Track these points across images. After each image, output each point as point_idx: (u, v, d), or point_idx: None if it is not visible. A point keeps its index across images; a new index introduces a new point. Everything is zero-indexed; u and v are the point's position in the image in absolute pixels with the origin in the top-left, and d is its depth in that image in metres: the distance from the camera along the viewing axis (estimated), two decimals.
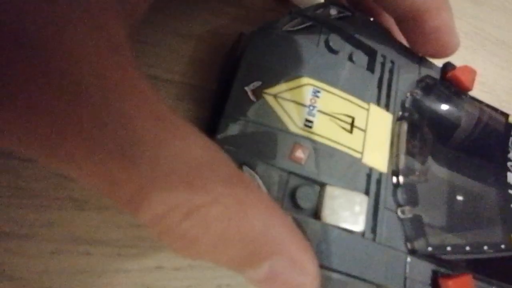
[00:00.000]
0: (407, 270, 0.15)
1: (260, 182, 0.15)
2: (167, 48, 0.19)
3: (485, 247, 0.16)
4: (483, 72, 0.31)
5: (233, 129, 0.15)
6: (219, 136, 0.15)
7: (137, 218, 0.10)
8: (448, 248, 0.16)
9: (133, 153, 0.09)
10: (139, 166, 0.09)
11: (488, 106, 0.19)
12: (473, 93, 0.20)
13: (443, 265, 0.16)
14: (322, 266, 0.14)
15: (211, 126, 0.18)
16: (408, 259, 0.16)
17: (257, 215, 0.11)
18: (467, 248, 0.16)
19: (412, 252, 0.16)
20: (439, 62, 0.21)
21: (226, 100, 0.16)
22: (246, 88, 0.16)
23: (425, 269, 0.16)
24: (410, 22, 0.17)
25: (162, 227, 0.10)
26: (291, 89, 0.16)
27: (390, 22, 0.19)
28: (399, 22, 0.18)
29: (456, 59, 0.27)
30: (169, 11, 0.20)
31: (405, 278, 0.15)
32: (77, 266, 0.15)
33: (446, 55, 0.19)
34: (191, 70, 0.20)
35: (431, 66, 0.20)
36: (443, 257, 0.16)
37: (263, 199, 0.11)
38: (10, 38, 0.08)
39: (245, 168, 0.15)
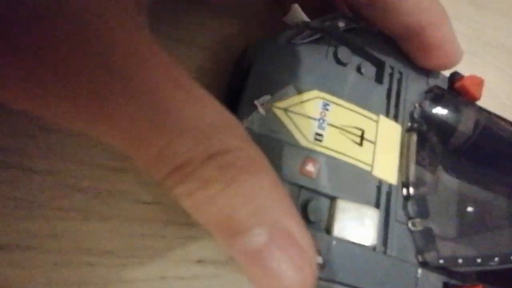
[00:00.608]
0: (419, 283, 0.16)
1: None
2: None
3: (496, 259, 0.16)
4: (485, 76, 0.31)
5: None
6: None
7: (160, 173, 0.11)
8: (460, 261, 0.16)
9: (160, 116, 0.10)
10: (165, 126, 0.10)
11: (497, 116, 0.19)
12: None
13: (454, 277, 0.16)
14: (334, 281, 0.14)
15: None
16: (419, 271, 0.16)
17: (263, 176, 0.11)
18: (478, 260, 0.16)
19: (423, 264, 0.16)
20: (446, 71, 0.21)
21: (235, 113, 0.16)
22: (256, 102, 0.16)
23: (436, 281, 0.16)
24: (412, 39, 0.17)
25: (181, 175, 0.11)
26: (300, 102, 0.16)
27: None
28: (400, 40, 0.18)
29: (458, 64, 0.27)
30: (172, 20, 0.20)
31: None
32: (81, 277, 0.15)
33: (451, 66, 0.19)
34: (195, 78, 0.20)
35: (439, 75, 0.20)
36: (454, 269, 0.16)
37: (267, 165, 0.12)
38: (57, 20, 0.09)
39: None
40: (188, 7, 0.21)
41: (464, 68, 0.30)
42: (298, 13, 0.18)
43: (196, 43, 0.20)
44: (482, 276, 0.17)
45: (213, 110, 0.11)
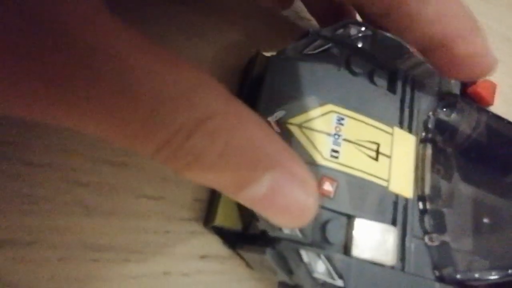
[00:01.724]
0: None
1: None
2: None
3: (510, 271, 0.16)
4: None
5: None
6: None
7: (147, 150, 0.10)
8: (476, 275, 0.16)
9: (132, 88, 0.09)
10: (141, 101, 0.09)
11: (510, 122, 0.19)
12: None
13: None
14: None
15: None
16: (437, 286, 0.16)
17: (255, 128, 0.11)
18: (493, 272, 0.16)
19: (441, 279, 0.16)
20: None
21: None
22: (269, 119, 0.15)
23: None
24: (438, 51, 0.16)
25: (171, 151, 0.10)
26: (315, 118, 0.16)
27: None
28: (423, 51, 0.16)
29: None
30: (180, 25, 0.19)
31: None
32: (85, 273, 0.15)
33: (481, 77, 0.17)
34: None
35: (450, 80, 0.19)
36: (471, 283, 0.16)
37: (256, 117, 0.12)
38: None
39: None
40: (192, 12, 0.20)
41: None
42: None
43: (203, 48, 0.19)
44: (495, 286, 0.17)
45: (190, 73, 0.10)
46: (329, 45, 0.17)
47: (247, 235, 0.16)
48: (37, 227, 0.15)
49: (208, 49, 0.20)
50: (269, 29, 0.21)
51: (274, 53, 0.18)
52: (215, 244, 0.17)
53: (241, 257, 0.17)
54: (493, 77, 0.30)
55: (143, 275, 0.16)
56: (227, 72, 0.20)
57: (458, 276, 0.16)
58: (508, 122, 0.19)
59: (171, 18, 0.19)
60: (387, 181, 0.16)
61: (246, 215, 0.16)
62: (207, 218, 0.17)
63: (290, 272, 0.14)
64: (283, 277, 0.15)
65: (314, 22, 0.22)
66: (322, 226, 0.15)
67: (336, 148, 0.16)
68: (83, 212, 0.15)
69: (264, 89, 0.16)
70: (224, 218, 0.16)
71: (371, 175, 0.16)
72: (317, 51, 0.17)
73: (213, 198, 0.17)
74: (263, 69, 0.18)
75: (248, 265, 0.17)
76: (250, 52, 0.20)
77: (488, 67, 0.16)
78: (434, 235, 0.16)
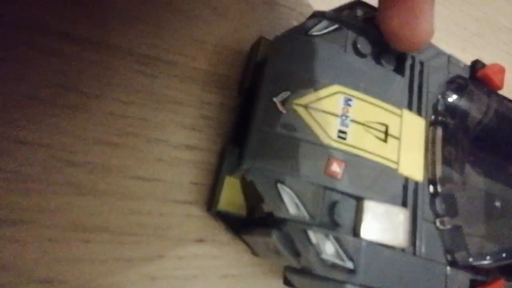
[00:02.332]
0: (448, 282, 0.15)
1: (296, 199, 0.14)
2: (172, 29, 0.18)
3: None
4: (493, 59, 0.31)
5: (264, 144, 0.14)
6: (249, 154, 0.14)
7: None
8: (488, 258, 0.15)
9: None
10: None
11: None
12: None
13: (479, 273, 0.16)
14: (363, 285, 0.14)
15: (235, 136, 0.17)
16: (448, 270, 0.15)
17: None
18: (504, 255, 0.16)
19: (452, 263, 0.15)
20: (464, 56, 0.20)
21: (251, 109, 0.16)
22: (274, 99, 0.15)
23: (464, 279, 0.16)
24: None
25: None
26: (322, 98, 0.15)
27: None
28: None
29: (467, 46, 0.26)
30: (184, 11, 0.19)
31: None
32: (75, 254, 0.15)
33: (417, 47, 0.16)
34: (207, 70, 0.19)
35: (459, 64, 0.19)
36: (482, 266, 0.15)
37: None
38: None
39: (280, 186, 0.14)
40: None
41: (472, 50, 0.30)
42: None
43: (206, 32, 0.19)
44: (504, 269, 0.16)
45: None
46: (335, 26, 0.17)
47: (252, 220, 0.16)
48: (26, 206, 0.14)
49: (212, 34, 0.19)
50: (272, 14, 0.21)
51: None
52: (212, 228, 0.17)
53: (246, 244, 0.17)
54: None
55: (137, 258, 0.15)
56: (231, 57, 0.19)
57: (471, 260, 0.15)
58: None
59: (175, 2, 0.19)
60: (397, 163, 0.16)
61: (251, 199, 0.16)
62: (210, 203, 0.16)
63: (297, 254, 0.14)
64: (290, 260, 0.14)
65: (317, 7, 0.22)
66: (330, 208, 0.14)
67: (343, 129, 0.15)
68: (74, 192, 0.15)
69: (269, 69, 0.16)
70: (228, 202, 0.16)
71: (380, 156, 0.15)
72: (323, 32, 0.16)
73: (216, 182, 0.17)
74: (267, 53, 0.17)
75: (253, 252, 0.17)
76: (254, 37, 0.19)
77: (419, 36, 0.16)
78: (446, 219, 0.15)
